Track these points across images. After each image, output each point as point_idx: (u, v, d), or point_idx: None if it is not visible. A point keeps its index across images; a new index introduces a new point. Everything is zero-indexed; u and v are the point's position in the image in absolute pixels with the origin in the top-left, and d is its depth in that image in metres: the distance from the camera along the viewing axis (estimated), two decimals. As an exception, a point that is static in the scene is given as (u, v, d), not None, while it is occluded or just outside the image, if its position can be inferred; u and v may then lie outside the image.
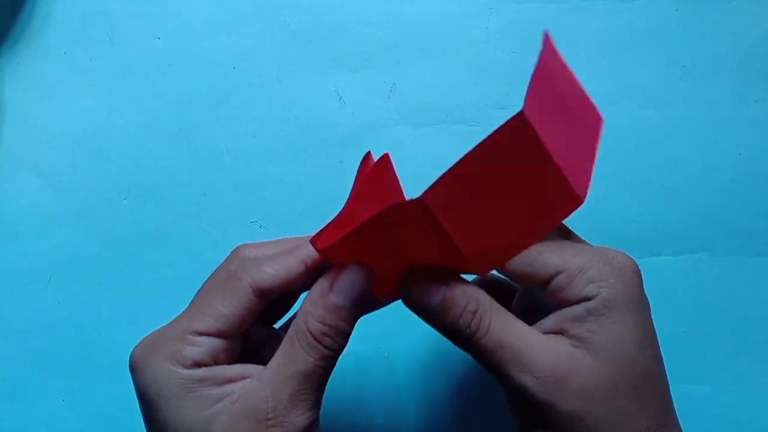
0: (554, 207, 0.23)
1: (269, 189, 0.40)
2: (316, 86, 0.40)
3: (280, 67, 0.40)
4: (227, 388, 0.25)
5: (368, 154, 0.27)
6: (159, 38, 0.41)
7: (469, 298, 0.25)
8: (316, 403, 0.25)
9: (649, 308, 0.26)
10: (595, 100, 0.25)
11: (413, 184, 0.39)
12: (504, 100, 0.40)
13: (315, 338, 0.24)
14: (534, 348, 0.24)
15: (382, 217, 0.23)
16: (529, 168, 0.22)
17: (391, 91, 0.40)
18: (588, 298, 0.24)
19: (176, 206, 0.39)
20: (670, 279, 0.39)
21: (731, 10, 0.41)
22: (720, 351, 0.39)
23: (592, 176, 0.24)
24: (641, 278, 0.26)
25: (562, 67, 0.25)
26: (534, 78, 0.22)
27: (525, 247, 0.25)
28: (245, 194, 0.40)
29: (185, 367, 0.24)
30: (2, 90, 0.40)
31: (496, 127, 0.21)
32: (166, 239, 0.39)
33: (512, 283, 0.31)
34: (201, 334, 0.25)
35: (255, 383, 0.25)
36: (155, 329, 0.26)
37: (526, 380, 0.24)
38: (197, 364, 0.25)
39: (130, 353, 0.26)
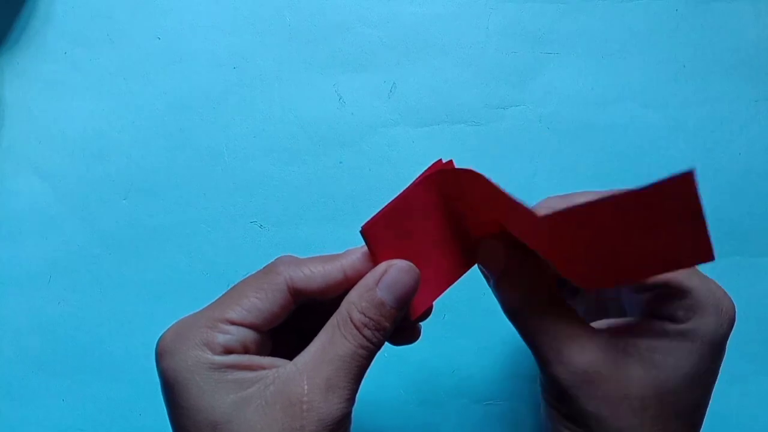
0: (683, 257, 0.23)
1: (269, 189, 0.40)
2: (316, 86, 0.40)
3: (280, 67, 0.40)
4: (261, 373, 0.24)
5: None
6: (159, 38, 0.41)
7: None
8: (351, 397, 0.25)
9: (723, 356, 0.25)
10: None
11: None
12: (504, 100, 0.40)
13: (356, 327, 0.25)
14: (576, 342, 0.25)
15: (434, 182, 0.24)
16: (676, 222, 0.23)
17: (391, 91, 0.40)
18: (673, 319, 0.24)
19: (176, 206, 0.39)
20: (670, 279, 0.39)
21: (731, 10, 0.41)
22: (720, 351, 0.39)
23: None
24: (732, 327, 0.25)
25: None
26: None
27: (632, 281, 0.25)
28: (245, 194, 0.40)
29: (216, 353, 0.24)
30: (2, 90, 0.40)
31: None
32: (166, 239, 0.39)
33: None
34: (233, 323, 0.25)
35: (291, 368, 0.24)
36: (181, 318, 0.26)
37: (560, 371, 0.24)
38: (228, 351, 0.25)
39: (156, 342, 0.26)
